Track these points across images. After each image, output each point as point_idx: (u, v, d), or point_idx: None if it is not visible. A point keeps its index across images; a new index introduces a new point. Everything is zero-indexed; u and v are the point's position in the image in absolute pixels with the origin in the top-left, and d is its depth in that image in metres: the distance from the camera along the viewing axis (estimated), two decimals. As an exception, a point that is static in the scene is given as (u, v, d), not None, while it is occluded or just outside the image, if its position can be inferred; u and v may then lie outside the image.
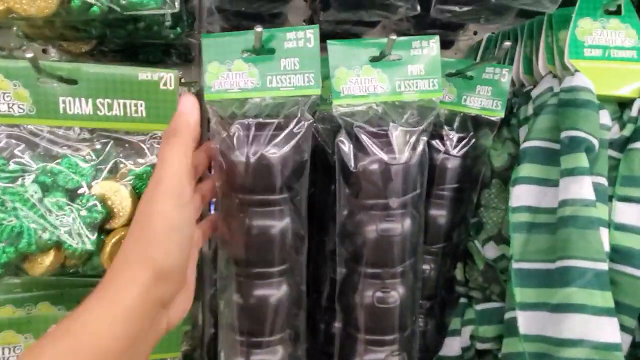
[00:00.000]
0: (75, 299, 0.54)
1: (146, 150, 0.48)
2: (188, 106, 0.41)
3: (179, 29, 0.53)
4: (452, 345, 0.57)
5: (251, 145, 0.43)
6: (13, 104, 0.44)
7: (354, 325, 0.49)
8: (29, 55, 0.40)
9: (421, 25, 0.60)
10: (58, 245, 0.45)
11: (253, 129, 0.44)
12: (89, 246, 0.45)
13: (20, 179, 0.45)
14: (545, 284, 0.46)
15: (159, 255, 0.36)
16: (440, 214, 0.56)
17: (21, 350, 0.47)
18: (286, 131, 0.44)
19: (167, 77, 0.46)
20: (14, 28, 0.53)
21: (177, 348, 0.52)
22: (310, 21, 0.67)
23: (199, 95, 0.44)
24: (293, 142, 0.44)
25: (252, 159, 0.43)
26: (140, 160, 0.48)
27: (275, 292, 0.47)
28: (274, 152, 0.43)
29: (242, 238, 0.45)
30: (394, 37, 0.45)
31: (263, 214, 0.45)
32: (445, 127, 0.55)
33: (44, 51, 0.60)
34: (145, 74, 0.46)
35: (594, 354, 0.41)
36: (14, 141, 0.46)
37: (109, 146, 0.47)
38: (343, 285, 0.49)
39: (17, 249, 0.44)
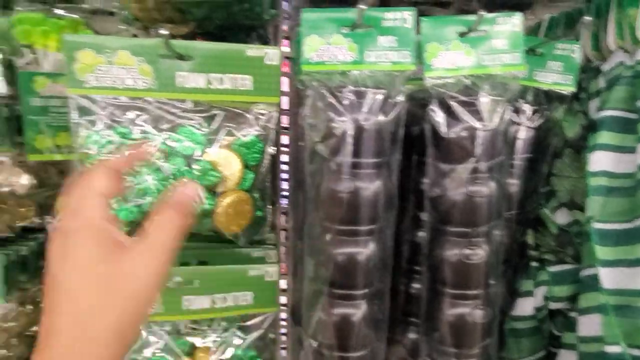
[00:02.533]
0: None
1: (251, 121, 0.53)
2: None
3: (273, 10, 0.57)
4: (525, 306, 0.61)
5: (359, 112, 0.47)
6: (137, 79, 0.50)
7: (441, 281, 0.53)
8: (165, 32, 0.45)
9: (491, 6, 0.63)
10: None
11: (355, 96, 0.48)
12: (207, 205, 0.50)
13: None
14: (624, 242, 0.49)
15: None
16: (513, 183, 0.60)
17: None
18: (388, 101, 0.48)
19: (271, 53, 0.51)
20: (123, 12, 0.58)
21: (274, 304, 0.57)
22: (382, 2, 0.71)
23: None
24: (394, 112, 0.48)
25: (357, 125, 0.48)
26: (246, 130, 0.53)
27: (363, 250, 0.51)
28: (375, 120, 0.48)
29: (337, 199, 0.49)
30: (482, 13, 0.48)
31: (359, 175, 0.49)
32: (520, 100, 0.59)
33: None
34: (252, 50, 0.51)
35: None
36: (137, 112, 0.51)
37: (219, 117, 0.52)
38: (431, 244, 0.54)
39: (141, 208, 0.50)
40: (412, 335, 0.61)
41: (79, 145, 0.50)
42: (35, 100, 0.56)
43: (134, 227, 0.51)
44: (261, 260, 0.61)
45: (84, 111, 0.50)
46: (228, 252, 0.61)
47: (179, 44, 0.50)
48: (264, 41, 0.71)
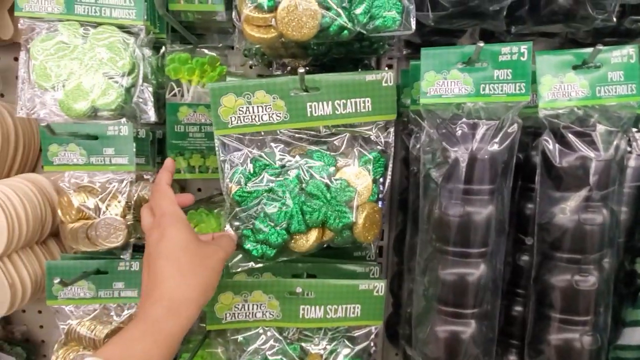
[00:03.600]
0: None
1: (373, 137, 0.57)
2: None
3: (387, 46, 0.62)
4: (633, 335, 0.60)
5: (473, 142, 0.51)
6: (272, 114, 0.56)
7: (549, 305, 0.54)
8: (301, 70, 0.51)
9: (599, 35, 0.64)
10: (322, 223, 0.55)
11: (469, 128, 0.51)
12: (349, 219, 0.55)
13: (284, 173, 0.56)
14: None
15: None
16: (622, 210, 0.60)
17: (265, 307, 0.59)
18: (502, 131, 0.51)
19: (387, 75, 0.55)
20: (242, 49, 0.64)
21: (380, 317, 0.61)
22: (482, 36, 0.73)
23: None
24: (507, 142, 0.51)
25: (472, 155, 0.51)
26: (370, 147, 0.57)
27: (474, 271, 0.54)
28: (491, 148, 0.51)
29: (449, 223, 0.52)
30: (600, 47, 0.50)
31: (472, 201, 0.52)
32: (631, 128, 0.59)
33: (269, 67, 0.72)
34: (371, 75, 0.55)
35: None
36: (274, 144, 0.57)
37: (345, 138, 0.57)
38: (539, 269, 0.55)
39: (289, 230, 0.55)
40: (512, 357, 0.63)
41: (227, 179, 0.56)
42: (179, 127, 0.65)
43: (281, 248, 0.56)
44: (365, 276, 0.65)
45: (229, 148, 0.56)
46: (333, 267, 0.65)
47: (308, 78, 0.55)
48: (368, 69, 0.76)
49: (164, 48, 0.65)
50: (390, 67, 0.80)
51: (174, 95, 0.64)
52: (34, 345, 0.90)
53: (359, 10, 0.51)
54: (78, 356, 0.64)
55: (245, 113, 0.55)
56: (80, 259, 0.64)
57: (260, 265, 0.59)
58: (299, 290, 0.57)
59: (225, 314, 0.58)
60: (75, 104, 0.59)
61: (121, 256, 0.63)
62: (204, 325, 0.60)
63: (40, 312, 0.90)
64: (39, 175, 0.71)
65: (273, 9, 0.51)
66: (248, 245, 0.56)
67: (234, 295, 0.57)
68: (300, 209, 0.54)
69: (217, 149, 0.56)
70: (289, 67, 0.68)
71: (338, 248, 0.63)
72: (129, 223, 0.61)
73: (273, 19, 0.51)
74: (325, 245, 0.59)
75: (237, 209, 0.56)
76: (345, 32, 0.52)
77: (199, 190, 0.82)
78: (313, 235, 0.56)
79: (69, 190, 0.62)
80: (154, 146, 0.67)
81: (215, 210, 0.71)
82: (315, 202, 0.54)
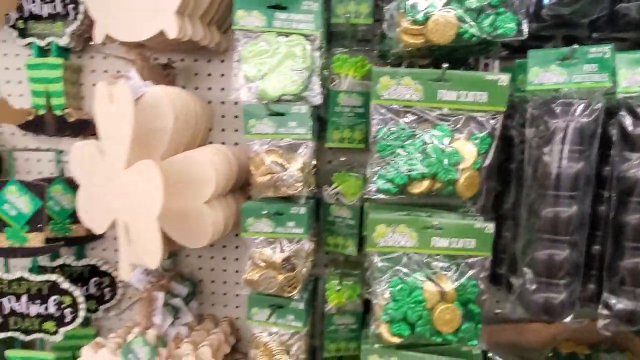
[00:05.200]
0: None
1: (484, 123, 0.78)
2: None
3: (500, 48, 0.84)
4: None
5: (568, 115, 0.71)
6: (412, 94, 0.78)
7: (624, 238, 0.74)
8: (445, 65, 0.73)
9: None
10: (434, 175, 0.77)
11: (567, 105, 0.72)
12: (454, 176, 0.76)
13: (414, 137, 0.78)
14: None
15: None
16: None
17: (407, 237, 0.80)
18: (589, 108, 0.71)
19: (503, 77, 0.76)
20: (380, 51, 0.87)
21: (489, 250, 0.81)
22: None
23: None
24: (593, 115, 0.71)
25: (567, 125, 0.71)
26: (480, 129, 0.79)
27: (567, 209, 0.74)
28: (581, 120, 0.71)
29: (549, 174, 0.73)
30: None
31: (568, 159, 0.72)
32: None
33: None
34: (490, 75, 0.77)
35: None
36: (410, 116, 0.79)
37: (463, 120, 0.79)
38: (617, 211, 0.74)
39: (410, 176, 0.77)
40: (592, 285, 0.81)
41: (374, 135, 0.79)
42: (337, 108, 0.88)
43: (402, 188, 0.79)
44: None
45: (380, 114, 0.79)
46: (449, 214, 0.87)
47: (432, 71, 0.77)
48: (471, 67, 0.97)
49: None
50: (486, 65, 1.01)
51: (334, 85, 0.88)
52: (194, 282, 1.16)
53: (486, 23, 0.73)
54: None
55: (395, 91, 0.78)
56: (265, 203, 0.88)
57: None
58: (435, 222, 0.79)
59: (380, 240, 0.80)
60: (271, 90, 0.83)
61: (298, 201, 0.87)
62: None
63: (200, 256, 1.16)
64: (226, 145, 0.97)
65: (424, 22, 0.73)
66: (379, 182, 0.79)
67: (386, 227, 0.80)
68: (421, 162, 0.76)
69: (371, 113, 0.79)
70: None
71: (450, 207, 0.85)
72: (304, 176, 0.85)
73: (424, 29, 0.74)
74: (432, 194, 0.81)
75: (376, 155, 0.79)
76: (475, 38, 0.74)
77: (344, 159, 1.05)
78: (426, 183, 0.78)
79: (261, 152, 0.86)
80: (315, 122, 0.90)
81: (355, 174, 0.94)
82: (432, 160, 0.76)
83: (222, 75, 1.07)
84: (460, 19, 0.73)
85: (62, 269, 1.14)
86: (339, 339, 0.98)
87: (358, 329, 0.98)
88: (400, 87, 0.78)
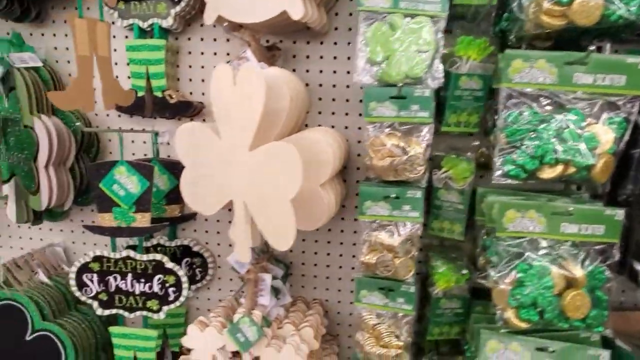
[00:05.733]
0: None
1: (621, 107, 0.77)
2: None
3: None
4: None
5: None
6: (546, 77, 0.77)
7: None
8: (592, 48, 0.71)
9: None
10: (566, 161, 0.76)
11: None
12: (591, 161, 0.75)
13: (547, 121, 0.77)
14: None
15: None
16: None
17: (535, 223, 0.79)
18: None
19: (643, 60, 0.75)
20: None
21: (617, 237, 0.80)
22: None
23: None
24: None
25: None
26: (617, 113, 0.77)
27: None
28: None
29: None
30: None
31: None
32: None
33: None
34: (631, 58, 0.75)
35: None
36: (543, 99, 0.78)
37: (599, 103, 0.77)
38: None
39: (542, 162, 0.76)
40: None
41: (503, 119, 0.78)
42: (457, 92, 0.87)
43: (531, 173, 0.78)
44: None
45: (510, 97, 0.78)
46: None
47: (579, 54, 0.75)
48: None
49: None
50: (599, 48, 0.98)
51: (457, 67, 0.87)
52: (287, 264, 1.17)
53: (634, 5, 0.70)
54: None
55: (527, 74, 0.76)
56: (382, 186, 0.88)
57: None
58: (571, 208, 0.78)
59: (509, 225, 0.79)
60: (394, 73, 0.82)
61: (419, 185, 0.86)
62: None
63: (291, 239, 1.16)
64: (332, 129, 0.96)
65: (569, 3, 0.71)
66: (507, 167, 0.78)
67: (516, 212, 0.79)
68: (554, 148, 0.75)
69: (500, 96, 0.78)
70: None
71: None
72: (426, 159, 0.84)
73: (567, 10, 0.72)
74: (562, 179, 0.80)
75: (504, 140, 0.78)
76: (622, 20, 0.71)
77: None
78: (559, 168, 0.77)
79: (381, 135, 0.86)
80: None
81: (465, 158, 0.93)
82: (569, 144, 0.75)
83: (321, 57, 1.06)
84: (608, 0, 0.70)
85: (156, 249, 1.16)
86: (443, 322, 0.99)
87: (463, 314, 0.98)
88: (533, 70, 0.76)
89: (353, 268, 1.15)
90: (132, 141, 1.17)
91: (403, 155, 0.84)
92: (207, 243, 1.20)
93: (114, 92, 0.95)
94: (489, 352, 0.83)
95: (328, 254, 1.16)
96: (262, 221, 0.82)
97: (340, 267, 1.16)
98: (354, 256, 1.15)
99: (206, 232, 1.19)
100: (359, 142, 1.08)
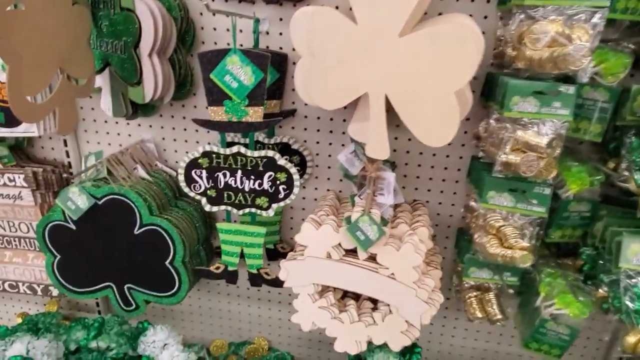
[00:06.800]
0: None
1: None
2: None
3: None
4: None
5: None
6: None
7: None
8: None
9: None
10: None
11: None
12: None
13: None
14: None
15: None
16: None
17: None
18: None
19: None
20: None
21: None
22: None
23: None
24: None
25: None
26: None
27: None
28: None
29: None
30: None
31: None
32: None
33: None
34: None
35: None
36: None
37: None
38: None
39: None
40: None
41: None
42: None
43: None
44: None
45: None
46: None
47: None
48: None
49: None
50: None
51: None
52: (393, 164, 1.12)
53: None
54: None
55: None
56: (530, 80, 0.81)
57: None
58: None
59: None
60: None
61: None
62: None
63: (396, 138, 1.11)
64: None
65: None
66: None
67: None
68: None
69: None
70: None
71: None
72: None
73: None
74: None
75: None
76: None
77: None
78: None
79: (540, 18, 0.76)
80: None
81: (619, 50, 0.84)
82: None
83: None
84: None
85: (255, 146, 1.12)
86: (567, 225, 0.96)
87: (590, 217, 0.95)
88: None
89: (459, 170, 1.11)
90: (214, 28, 1.07)
91: (568, 43, 0.76)
92: (305, 141, 1.15)
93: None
94: (630, 254, 0.81)
95: (434, 155, 1.11)
96: (412, 116, 0.76)
97: (446, 168, 1.12)
98: (461, 157, 1.10)
99: (305, 129, 1.14)
100: (483, 32, 0.98)
